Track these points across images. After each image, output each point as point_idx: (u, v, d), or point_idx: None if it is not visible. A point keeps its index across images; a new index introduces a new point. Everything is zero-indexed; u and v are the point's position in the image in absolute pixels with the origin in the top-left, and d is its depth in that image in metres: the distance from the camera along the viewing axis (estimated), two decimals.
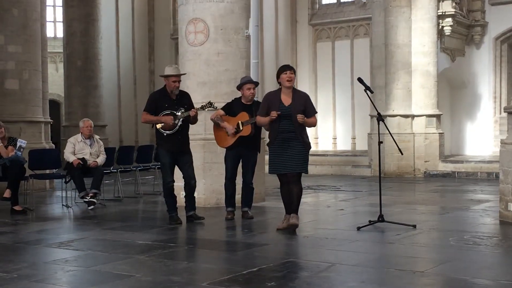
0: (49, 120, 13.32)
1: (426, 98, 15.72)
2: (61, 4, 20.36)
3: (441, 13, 16.05)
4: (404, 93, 15.63)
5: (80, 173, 9.74)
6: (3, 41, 12.29)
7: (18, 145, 9.54)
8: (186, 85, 9.26)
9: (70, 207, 9.93)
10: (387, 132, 8.16)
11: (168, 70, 7.92)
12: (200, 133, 9.50)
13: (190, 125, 8.11)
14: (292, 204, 7.21)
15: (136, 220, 8.84)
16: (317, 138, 19.26)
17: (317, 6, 20.67)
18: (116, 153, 11.40)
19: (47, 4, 16.19)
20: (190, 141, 8.13)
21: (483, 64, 18.00)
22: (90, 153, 9.98)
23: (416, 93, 15.64)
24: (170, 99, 7.88)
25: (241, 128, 7.95)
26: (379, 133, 7.73)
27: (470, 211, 8.98)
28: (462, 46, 17.70)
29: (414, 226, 7.33)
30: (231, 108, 8.13)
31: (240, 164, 8.25)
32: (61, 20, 19.64)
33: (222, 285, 4.78)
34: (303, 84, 19.01)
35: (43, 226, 8.07)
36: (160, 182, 9.87)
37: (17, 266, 5.54)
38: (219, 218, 8.35)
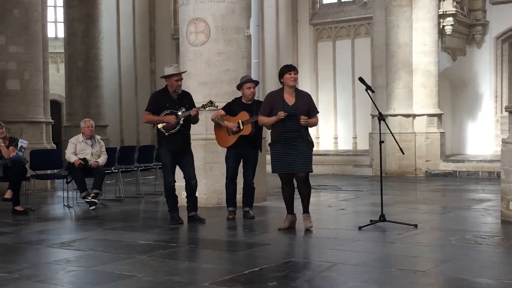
0: (50, 120, 13.32)
1: (427, 98, 15.71)
2: (62, 5, 20.37)
3: (442, 13, 16.04)
4: (405, 92, 15.62)
5: (81, 174, 9.74)
6: (4, 41, 12.31)
7: (19, 146, 9.54)
8: (187, 85, 9.27)
9: (72, 208, 9.93)
10: (388, 131, 8.15)
11: (169, 70, 7.92)
12: (201, 133, 9.50)
13: (191, 125, 8.11)
14: (301, 202, 7.27)
15: (137, 220, 8.85)
16: (318, 137, 19.26)
17: (318, 5, 20.66)
18: (117, 153, 11.41)
19: (48, 4, 16.23)
20: (191, 141, 8.13)
21: (484, 63, 17.99)
22: (92, 153, 9.99)
23: (417, 92, 15.64)
24: (171, 99, 7.88)
25: (241, 127, 7.95)
26: (380, 133, 7.73)
27: (472, 211, 8.98)
28: (463, 45, 17.69)
29: (416, 226, 7.33)
30: (232, 108, 8.13)
31: (241, 164, 8.25)
32: (62, 20, 19.67)
33: (224, 285, 4.78)
34: (304, 84, 19.00)
35: (44, 227, 8.07)
36: (161, 182, 9.89)
37: (18, 267, 5.54)
38: (220, 218, 8.35)
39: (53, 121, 13.58)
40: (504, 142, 8.05)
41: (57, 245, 6.65)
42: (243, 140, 7.99)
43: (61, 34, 21.58)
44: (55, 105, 20.61)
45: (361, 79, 7.72)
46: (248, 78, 8.27)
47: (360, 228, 7.25)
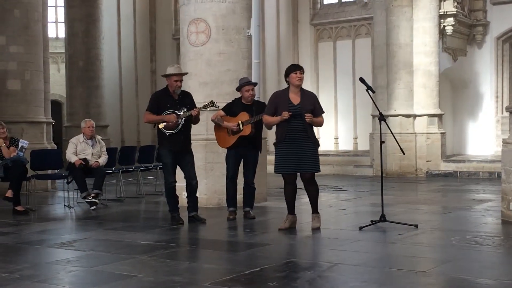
0: (51, 120, 13.33)
1: (428, 98, 15.70)
2: (62, 5, 20.38)
3: (442, 13, 16.04)
4: (405, 92, 15.61)
5: (82, 174, 9.74)
6: (4, 41, 12.32)
7: (20, 146, 9.54)
8: (188, 85, 9.27)
9: (72, 208, 9.94)
10: (389, 132, 8.15)
11: (170, 70, 7.93)
12: (202, 133, 9.50)
13: (192, 125, 8.11)
14: (310, 202, 7.33)
15: (138, 221, 8.85)
16: (319, 138, 19.21)
17: (319, 6, 20.66)
18: (118, 154, 11.42)
19: (49, 4, 16.22)
20: (192, 141, 8.13)
21: (485, 64, 17.99)
22: (92, 154, 9.99)
23: (417, 92, 15.62)
24: (172, 99, 7.88)
25: (241, 128, 7.95)
26: (381, 133, 7.73)
27: (472, 211, 8.97)
28: (464, 45, 17.68)
29: (416, 226, 7.32)
30: (232, 109, 8.13)
31: (242, 164, 8.25)
32: (63, 20, 19.68)
33: (224, 285, 4.78)
34: (305, 84, 18.77)
35: (45, 227, 8.08)
36: (162, 182, 9.89)
37: (19, 267, 5.55)
38: (221, 218, 8.35)
39: (53, 121, 13.59)
40: (504, 142, 8.05)
41: (58, 245, 6.66)
42: (243, 140, 7.99)
43: (61, 34, 21.58)
44: (55, 105, 20.60)
45: (361, 80, 7.72)
46: (246, 81, 8.25)
47: (360, 228, 7.25)
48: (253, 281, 4.94)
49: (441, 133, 15.82)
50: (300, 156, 7.09)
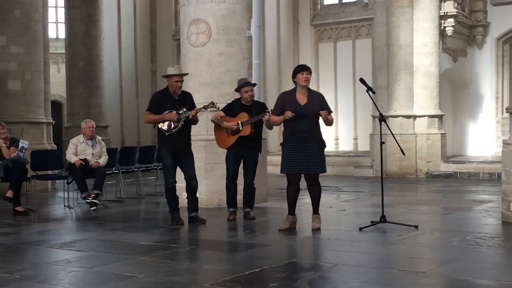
0: (51, 121, 13.33)
1: (428, 99, 15.70)
2: (63, 5, 20.38)
3: (443, 14, 16.04)
4: (406, 93, 15.61)
5: (82, 174, 9.74)
6: (5, 42, 12.32)
7: (20, 146, 9.54)
8: (188, 86, 9.27)
9: (72, 208, 9.93)
10: (389, 132, 8.15)
11: (171, 70, 7.93)
12: (202, 134, 9.50)
13: (192, 126, 8.11)
14: (311, 203, 7.34)
15: (138, 221, 8.85)
16: None
17: (319, 6, 20.67)
18: (118, 154, 11.41)
19: (49, 5, 16.21)
20: (192, 142, 8.13)
21: (485, 65, 17.99)
22: (92, 154, 9.99)
23: (418, 93, 15.62)
24: (172, 99, 7.88)
25: (240, 128, 7.95)
26: (381, 134, 7.73)
27: (472, 212, 8.97)
28: (464, 46, 17.68)
29: (416, 227, 7.32)
30: (231, 109, 8.13)
31: (242, 165, 8.25)
32: (63, 21, 19.68)
33: (224, 286, 4.78)
34: None
35: (45, 227, 8.08)
36: (162, 183, 9.89)
37: (19, 267, 5.55)
38: (221, 218, 8.35)
39: (54, 121, 13.59)
40: (505, 143, 8.05)
41: (58, 246, 6.65)
42: (242, 140, 7.99)
43: (62, 34, 21.58)
44: (56, 106, 20.61)
45: (362, 80, 7.72)
46: (244, 82, 8.25)
47: (360, 229, 7.25)
48: (253, 282, 4.94)
49: (441, 134, 15.82)
50: (306, 157, 7.10)
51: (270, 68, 19.55)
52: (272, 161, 15.55)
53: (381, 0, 15.81)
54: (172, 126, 7.79)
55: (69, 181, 9.98)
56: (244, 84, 8.13)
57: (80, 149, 9.96)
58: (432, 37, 15.55)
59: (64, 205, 10.13)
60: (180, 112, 7.80)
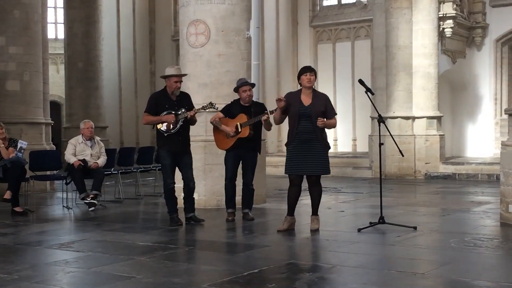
0: (50, 121, 13.32)
1: (427, 100, 15.71)
2: (62, 6, 20.38)
3: (442, 15, 16.05)
4: (405, 94, 15.62)
5: (80, 175, 9.74)
6: (4, 42, 12.32)
7: (18, 147, 9.54)
8: (187, 87, 9.27)
9: (71, 209, 9.93)
10: (388, 133, 8.16)
11: (170, 71, 7.93)
12: (200, 135, 9.50)
13: (191, 127, 8.11)
14: (311, 204, 7.34)
15: (136, 222, 8.84)
16: None
17: (318, 7, 20.67)
18: (117, 155, 11.41)
19: (48, 5, 16.22)
20: (191, 143, 8.13)
21: (484, 66, 18.00)
22: (91, 155, 9.98)
23: (417, 94, 15.63)
24: (170, 100, 7.88)
25: (239, 130, 7.95)
26: (379, 135, 7.73)
27: (471, 213, 8.98)
28: (463, 48, 17.69)
29: (415, 228, 7.32)
30: (230, 110, 8.13)
31: (240, 166, 8.25)
32: (62, 21, 19.67)
33: (223, 287, 4.78)
34: None
35: (43, 228, 8.07)
36: (160, 183, 9.87)
37: (17, 268, 5.54)
38: (219, 219, 8.34)
39: (52, 122, 13.58)
40: (503, 144, 8.05)
41: (56, 246, 6.65)
42: (242, 141, 7.99)
43: (61, 35, 21.58)
44: (54, 106, 20.61)
45: (361, 81, 7.72)
46: (243, 81, 8.26)
47: (359, 230, 7.25)
48: (251, 283, 4.94)
49: (440, 135, 15.83)
50: (308, 158, 7.10)
51: (269, 69, 19.55)
52: (271, 162, 15.55)
53: (380, 1, 15.82)
54: (171, 126, 7.80)
55: (67, 181, 9.98)
56: (242, 84, 8.14)
57: (79, 150, 9.96)
58: (431, 38, 15.56)
59: (63, 206, 10.12)
60: (179, 113, 7.81)
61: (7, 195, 9.20)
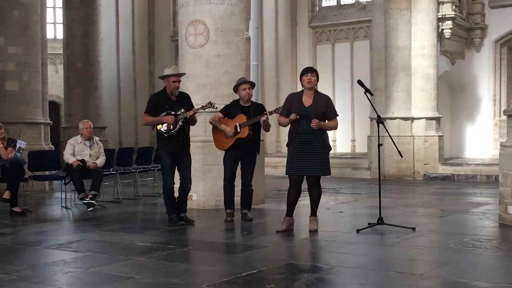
0: (49, 121, 13.32)
1: (426, 101, 15.72)
2: (61, 6, 20.36)
3: (441, 16, 16.06)
4: (404, 95, 15.62)
5: (79, 175, 9.74)
6: (3, 42, 12.31)
7: (17, 147, 9.53)
8: (186, 87, 9.27)
9: (70, 209, 9.93)
10: (387, 134, 8.16)
11: (168, 71, 7.94)
12: (199, 135, 9.50)
13: (190, 127, 8.11)
14: (310, 205, 7.34)
15: (135, 222, 8.84)
16: None
17: (317, 8, 20.68)
18: (116, 155, 11.41)
19: (48, 5, 16.19)
20: (190, 143, 8.13)
21: (483, 67, 18.00)
22: (90, 155, 9.98)
23: (416, 95, 15.64)
24: (170, 100, 7.88)
25: (238, 130, 7.95)
26: (378, 136, 7.73)
27: (470, 214, 8.98)
28: (462, 49, 17.70)
29: (414, 229, 7.33)
30: (229, 110, 8.13)
31: (239, 166, 8.25)
32: (61, 21, 19.65)
33: (222, 287, 4.78)
34: None
35: (42, 228, 8.07)
36: (159, 184, 9.88)
37: (16, 268, 5.54)
38: (218, 220, 8.34)
39: (51, 122, 13.58)
40: (502, 145, 8.05)
41: (55, 246, 6.65)
42: (241, 142, 7.99)
43: (60, 35, 21.57)
44: (53, 106, 20.59)
45: (360, 82, 7.73)
46: (243, 80, 8.28)
47: (358, 231, 7.25)
48: (250, 283, 4.94)
49: (439, 136, 15.83)
50: (308, 159, 7.10)
51: (268, 69, 19.56)
52: (270, 162, 15.55)
53: (379, 2, 15.82)
54: (171, 127, 7.80)
55: (66, 181, 9.97)
56: (242, 82, 8.15)
57: (77, 150, 9.96)
58: (430, 39, 15.56)
59: (62, 206, 10.12)
60: (178, 113, 7.81)
61: (6, 195, 9.19)
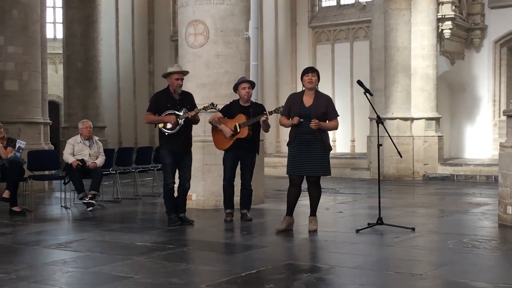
0: (49, 121, 13.31)
1: (426, 101, 15.72)
2: (61, 6, 20.36)
3: (440, 16, 16.06)
4: (403, 96, 15.63)
5: (79, 175, 9.73)
6: (3, 42, 12.30)
7: (17, 146, 9.53)
8: (186, 87, 9.24)
9: (69, 208, 9.92)
10: (387, 135, 8.16)
11: (171, 69, 7.96)
12: (199, 135, 9.50)
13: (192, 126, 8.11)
14: (310, 205, 7.35)
15: (135, 222, 8.83)
16: None
17: (317, 8, 20.68)
18: (115, 155, 11.40)
19: (47, 5, 16.18)
20: (192, 142, 8.12)
21: (483, 67, 18.01)
22: (89, 154, 9.98)
23: (415, 96, 15.65)
24: (173, 99, 7.89)
25: (238, 130, 7.95)
26: (378, 136, 7.74)
27: (469, 214, 8.98)
28: (462, 49, 17.71)
29: (413, 229, 7.33)
30: (229, 110, 8.13)
31: (239, 166, 8.25)
32: (61, 21, 19.65)
33: (221, 287, 4.78)
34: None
35: (42, 227, 8.07)
36: (159, 183, 9.90)
37: (16, 267, 5.54)
38: (218, 220, 8.34)
39: (51, 122, 13.57)
40: (502, 146, 8.06)
41: (54, 246, 6.65)
42: (240, 142, 7.99)
43: (60, 35, 21.56)
44: (53, 106, 20.58)
45: (359, 82, 7.73)
46: (243, 79, 8.28)
47: (357, 231, 7.25)
48: (249, 283, 4.94)
49: (438, 136, 15.83)
50: (308, 159, 7.10)
51: (268, 69, 19.55)
52: (269, 162, 15.55)
53: (379, 2, 15.83)
54: (169, 126, 7.80)
55: (66, 181, 9.97)
56: (242, 81, 8.15)
57: (77, 150, 9.96)
58: (429, 39, 15.57)
59: (61, 206, 10.12)
60: (180, 113, 7.80)
61: (6, 194, 9.19)
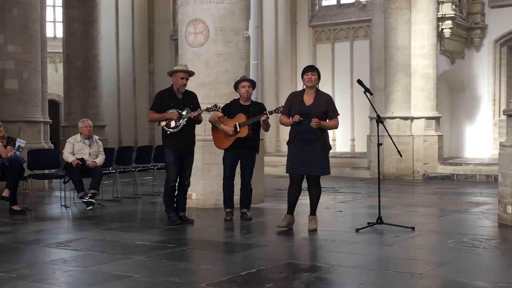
0: (48, 120, 13.31)
1: (426, 100, 15.72)
2: (61, 5, 20.36)
3: (441, 16, 16.05)
4: (403, 95, 15.62)
5: (79, 174, 9.73)
6: (2, 41, 12.30)
7: (17, 145, 9.54)
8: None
9: (69, 207, 9.92)
10: (386, 134, 8.16)
11: (177, 67, 7.97)
12: (199, 134, 9.46)
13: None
14: (309, 204, 7.36)
15: (134, 221, 8.84)
16: None
17: (317, 7, 20.67)
18: (115, 154, 11.40)
19: (47, 4, 16.19)
20: (195, 141, 8.12)
21: (483, 67, 18.00)
22: (89, 154, 9.98)
23: (415, 95, 15.64)
24: (176, 98, 7.89)
25: (238, 129, 7.95)
26: (378, 135, 7.74)
27: (469, 214, 8.98)
28: (462, 48, 17.70)
29: (413, 228, 7.33)
30: (229, 109, 8.13)
31: (239, 165, 8.25)
32: (61, 20, 19.65)
33: (221, 286, 4.78)
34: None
35: (41, 226, 8.07)
36: (159, 183, 9.90)
37: (15, 266, 5.54)
38: (217, 219, 8.34)
39: (51, 121, 13.57)
40: (502, 145, 8.06)
41: (54, 245, 6.65)
42: (240, 141, 7.98)
43: (59, 34, 21.56)
44: (53, 105, 20.58)
45: (359, 82, 7.73)
46: (243, 77, 8.28)
47: (357, 230, 7.25)
48: (249, 282, 4.94)
49: (438, 135, 15.83)
50: (308, 158, 7.10)
51: (268, 69, 19.54)
52: (269, 161, 15.54)
53: (379, 1, 15.82)
54: (174, 125, 7.78)
55: (65, 180, 9.97)
56: (242, 80, 8.14)
57: (77, 149, 9.96)
58: (429, 39, 15.56)
59: (61, 205, 10.12)
60: (183, 113, 7.79)
61: (5, 193, 9.20)
